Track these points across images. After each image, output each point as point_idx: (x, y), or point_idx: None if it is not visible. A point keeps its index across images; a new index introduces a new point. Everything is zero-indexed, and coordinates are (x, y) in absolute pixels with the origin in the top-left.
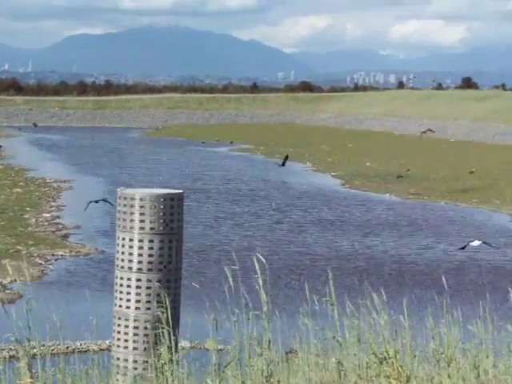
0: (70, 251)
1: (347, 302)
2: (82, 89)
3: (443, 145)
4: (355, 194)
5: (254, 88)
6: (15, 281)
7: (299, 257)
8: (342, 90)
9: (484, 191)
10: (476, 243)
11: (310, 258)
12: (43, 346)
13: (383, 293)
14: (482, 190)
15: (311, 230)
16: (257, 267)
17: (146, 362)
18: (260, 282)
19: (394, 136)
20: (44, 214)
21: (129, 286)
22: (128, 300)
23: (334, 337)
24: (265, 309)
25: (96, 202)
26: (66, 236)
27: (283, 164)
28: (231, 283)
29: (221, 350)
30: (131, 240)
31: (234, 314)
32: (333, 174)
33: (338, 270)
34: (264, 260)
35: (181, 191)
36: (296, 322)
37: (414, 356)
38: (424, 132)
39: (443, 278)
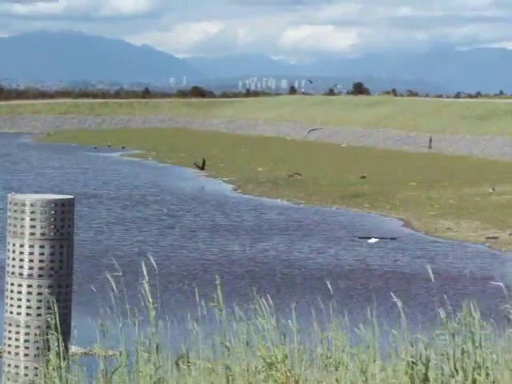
0: None
1: (236, 307)
2: None
3: (335, 150)
4: (247, 198)
5: (146, 93)
6: None
7: (191, 262)
8: (234, 95)
9: (375, 196)
10: (373, 240)
11: (201, 263)
12: None
13: (273, 297)
14: (373, 195)
15: (203, 235)
16: (144, 271)
17: (37, 368)
18: (146, 286)
19: (285, 141)
20: None
21: (19, 293)
22: (19, 306)
23: (221, 342)
24: (152, 314)
25: None
26: None
27: (202, 167)
28: (115, 289)
29: (110, 355)
30: (22, 246)
31: (120, 320)
32: (225, 179)
33: (229, 275)
34: (155, 264)
35: (71, 197)
36: (186, 327)
37: (302, 360)
38: (311, 130)
39: (328, 283)
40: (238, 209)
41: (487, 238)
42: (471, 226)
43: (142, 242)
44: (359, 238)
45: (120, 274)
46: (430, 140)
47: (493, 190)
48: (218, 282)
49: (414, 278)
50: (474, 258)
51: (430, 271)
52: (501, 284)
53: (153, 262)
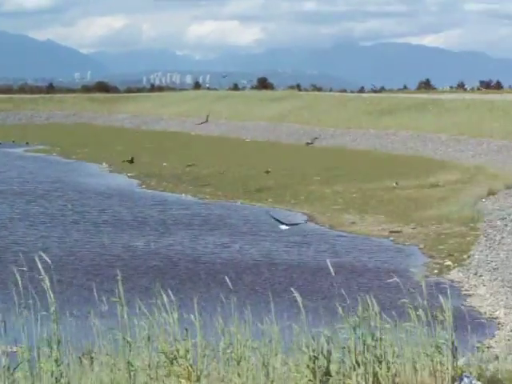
0: None
1: (138, 302)
2: None
3: (239, 145)
4: (152, 194)
5: (51, 88)
6: None
7: (95, 257)
8: (139, 90)
9: (279, 190)
10: (284, 227)
11: (106, 259)
12: None
13: (177, 292)
14: (277, 190)
15: (108, 230)
16: (40, 268)
17: None
18: (47, 282)
19: (190, 136)
20: None
21: None
22: None
23: (123, 337)
24: (52, 309)
25: None
26: None
27: (131, 161)
28: (20, 285)
29: (13, 351)
30: None
31: (23, 315)
32: (129, 174)
33: (133, 270)
34: (49, 260)
35: None
36: (88, 323)
37: (204, 355)
38: (201, 123)
39: (227, 279)
40: (142, 204)
41: (391, 231)
42: (375, 220)
43: (47, 238)
44: (273, 218)
45: (25, 269)
46: (314, 139)
47: (396, 184)
48: (119, 278)
49: (319, 272)
50: (378, 252)
51: (330, 265)
52: (397, 280)
53: (46, 258)
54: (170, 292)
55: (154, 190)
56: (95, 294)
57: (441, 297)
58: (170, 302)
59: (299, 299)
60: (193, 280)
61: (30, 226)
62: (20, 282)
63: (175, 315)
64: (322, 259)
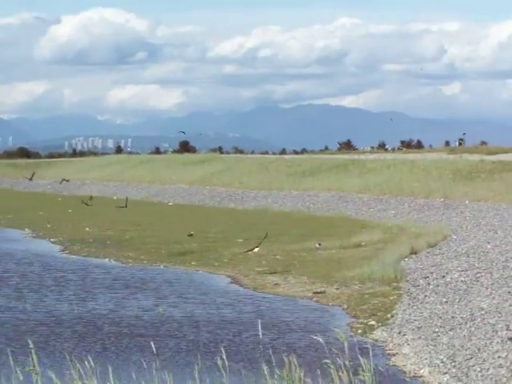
0: None
1: (55, 371)
2: None
3: (162, 208)
4: (75, 259)
5: None
6: None
7: (17, 323)
8: (60, 155)
9: (203, 253)
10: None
11: (28, 325)
12: None
13: (98, 357)
14: (200, 253)
15: (30, 296)
16: None
17: None
18: None
19: (112, 200)
20: None
21: None
22: None
23: None
24: None
25: None
26: None
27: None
28: None
29: None
30: None
31: None
32: (52, 239)
33: (55, 335)
34: None
35: None
36: None
37: None
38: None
39: (152, 344)
40: (65, 269)
41: (314, 292)
42: (299, 282)
43: None
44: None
45: None
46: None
47: (319, 245)
48: (31, 347)
49: (244, 332)
50: (303, 313)
51: (260, 326)
52: (320, 339)
53: None
54: (89, 358)
55: (77, 254)
56: (11, 361)
57: (360, 357)
58: (89, 369)
59: (220, 362)
60: (115, 345)
61: None
62: None
63: (94, 381)
64: (247, 320)
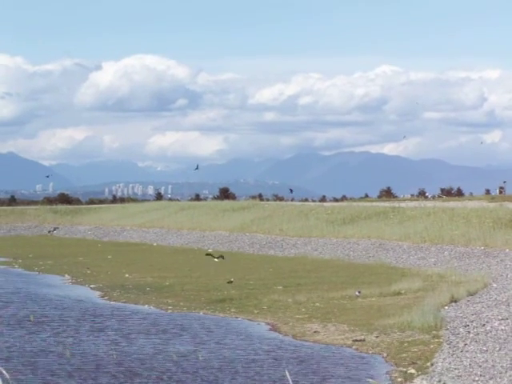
0: None
1: None
2: None
3: (202, 255)
4: (114, 305)
5: (12, 200)
6: None
7: (56, 367)
8: (101, 201)
9: (242, 300)
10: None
11: (67, 370)
12: None
13: None
14: (239, 300)
15: (68, 341)
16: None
17: None
18: None
19: (152, 247)
20: None
21: None
22: None
23: None
24: None
25: None
26: None
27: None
28: None
29: None
30: None
31: None
32: (92, 285)
33: (93, 381)
34: (7, 374)
35: None
36: None
37: None
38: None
39: None
40: (103, 315)
41: (354, 340)
42: (338, 329)
43: (7, 349)
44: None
45: None
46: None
47: (359, 293)
48: None
49: (282, 380)
50: (342, 361)
51: (289, 376)
52: None
53: (4, 372)
54: None
55: (117, 301)
56: None
57: None
58: None
59: None
60: None
61: None
62: None
63: None
64: (285, 367)
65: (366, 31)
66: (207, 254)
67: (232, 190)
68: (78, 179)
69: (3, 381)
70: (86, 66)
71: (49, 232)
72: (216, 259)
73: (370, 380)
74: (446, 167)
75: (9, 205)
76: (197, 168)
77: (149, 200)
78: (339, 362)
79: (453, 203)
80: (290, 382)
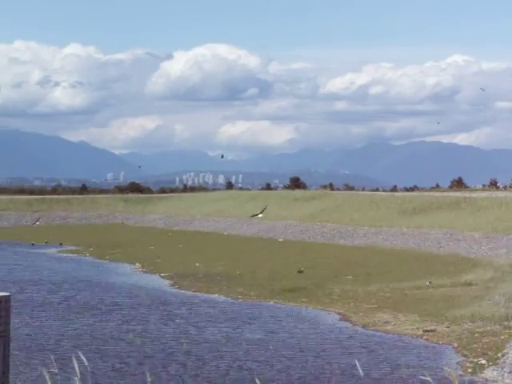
0: None
1: None
2: None
3: (272, 244)
4: (184, 294)
5: (84, 189)
6: None
7: (126, 355)
8: (172, 190)
9: (312, 290)
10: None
11: (137, 358)
12: None
13: None
14: (310, 289)
15: (137, 329)
16: (76, 368)
17: None
18: None
19: (223, 236)
20: None
21: None
22: None
23: None
24: None
25: None
26: None
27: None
28: None
29: None
30: None
31: None
32: (162, 274)
33: (163, 369)
34: (86, 361)
35: (8, 294)
36: None
37: None
38: (254, 215)
39: (257, 381)
40: (173, 303)
41: (424, 330)
42: (409, 319)
43: (78, 339)
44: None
45: (56, 371)
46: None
47: (430, 283)
48: (149, 380)
49: (351, 369)
50: (412, 351)
51: (358, 365)
52: (429, 378)
53: (84, 359)
54: None
55: (187, 289)
56: None
57: None
58: None
59: None
60: (224, 378)
61: (61, 327)
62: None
63: None
64: (355, 357)
65: (438, 20)
66: (253, 216)
67: (303, 179)
68: (149, 168)
69: (80, 367)
70: (157, 56)
71: (34, 223)
72: (260, 214)
73: (446, 368)
74: None
75: (80, 193)
76: (222, 157)
77: (219, 189)
78: (410, 351)
79: None
80: (360, 371)
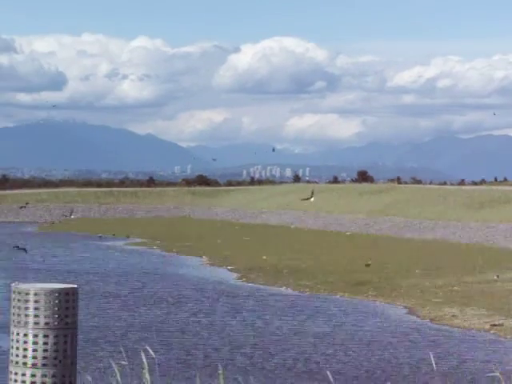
0: None
1: None
2: None
3: (339, 238)
4: (251, 287)
5: (151, 182)
6: None
7: (192, 347)
8: (239, 183)
9: (380, 284)
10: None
11: (204, 349)
12: None
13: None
14: (377, 283)
15: (204, 321)
16: (144, 360)
17: None
18: (147, 376)
19: (290, 230)
20: None
21: (23, 382)
22: None
23: None
24: None
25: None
26: None
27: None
28: (119, 379)
29: None
30: (25, 335)
31: None
32: (229, 267)
33: (229, 362)
34: (153, 353)
35: (75, 286)
36: None
37: None
38: (305, 199)
39: (328, 374)
40: (240, 296)
41: (492, 325)
42: (476, 314)
43: (147, 329)
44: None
45: (126, 363)
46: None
47: (497, 277)
48: (220, 372)
49: (420, 362)
50: (480, 345)
51: (432, 358)
52: (497, 373)
53: (151, 352)
54: None
55: (254, 282)
56: None
57: None
58: None
59: None
60: (291, 371)
61: (131, 319)
62: (120, 376)
63: None
64: (421, 352)
65: (506, 13)
66: (303, 199)
67: (370, 172)
68: (217, 161)
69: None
70: (225, 48)
71: (21, 207)
72: (312, 198)
73: None
74: None
75: (147, 186)
76: (273, 150)
77: (286, 182)
78: (477, 346)
79: None
80: (434, 364)
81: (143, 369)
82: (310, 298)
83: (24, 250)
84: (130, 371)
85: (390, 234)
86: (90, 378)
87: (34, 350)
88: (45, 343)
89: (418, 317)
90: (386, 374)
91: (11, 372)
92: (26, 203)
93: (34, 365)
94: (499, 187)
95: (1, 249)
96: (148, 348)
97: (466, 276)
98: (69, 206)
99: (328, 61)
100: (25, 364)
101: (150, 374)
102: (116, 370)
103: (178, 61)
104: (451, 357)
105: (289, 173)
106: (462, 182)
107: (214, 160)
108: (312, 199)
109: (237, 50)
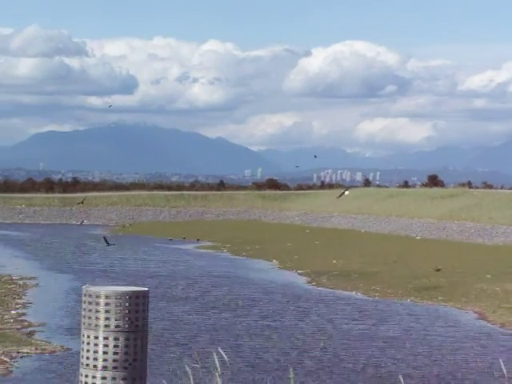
0: (36, 348)
1: None
2: (49, 186)
3: (409, 242)
4: (321, 291)
5: (221, 185)
6: None
7: (263, 351)
8: (309, 187)
9: (450, 289)
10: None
11: (274, 354)
12: None
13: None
14: (447, 288)
15: (273, 325)
16: (217, 363)
17: None
18: (219, 380)
19: (360, 234)
20: (10, 311)
21: None
22: None
23: None
24: None
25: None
26: (31, 333)
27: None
28: (192, 382)
29: None
30: (96, 338)
31: None
32: (299, 271)
33: (297, 366)
34: (226, 356)
35: (146, 289)
36: None
37: None
38: (339, 196)
39: (401, 378)
40: (310, 300)
41: None
42: None
43: (217, 332)
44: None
45: (198, 366)
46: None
47: None
48: (291, 376)
49: (488, 372)
50: None
51: (502, 364)
52: None
53: (224, 355)
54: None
55: (324, 286)
56: None
57: None
58: None
59: None
60: (359, 377)
61: (197, 321)
62: (193, 379)
63: None
64: (493, 360)
65: None
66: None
67: (440, 177)
68: (287, 165)
69: (220, 363)
70: (296, 52)
71: (78, 203)
72: (346, 192)
73: None
74: None
75: (218, 189)
76: (315, 156)
77: (357, 186)
78: None
79: None
80: (504, 370)
81: (216, 372)
82: (379, 302)
83: (111, 243)
84: (201, 374)
85: (460, 239)
86: (165, 382)
87: (105, 353)
88: (115, 346)
89: (488, 322)
90: (456, 379)
91: (82, 374)
92: (84, 199)
93: (104, 367)
94: None
95: (74, 250)
96: (220, 351)
97: None
98: (139, 209)
99: (399, 64)
100: (95, 366)
101: (222, 377)
102: (189, 373)
103: (248, 64)
104: None
105: (359, 177)
106: None
107: (297, 167)
108: (347, 192)
109: (308, 53)
